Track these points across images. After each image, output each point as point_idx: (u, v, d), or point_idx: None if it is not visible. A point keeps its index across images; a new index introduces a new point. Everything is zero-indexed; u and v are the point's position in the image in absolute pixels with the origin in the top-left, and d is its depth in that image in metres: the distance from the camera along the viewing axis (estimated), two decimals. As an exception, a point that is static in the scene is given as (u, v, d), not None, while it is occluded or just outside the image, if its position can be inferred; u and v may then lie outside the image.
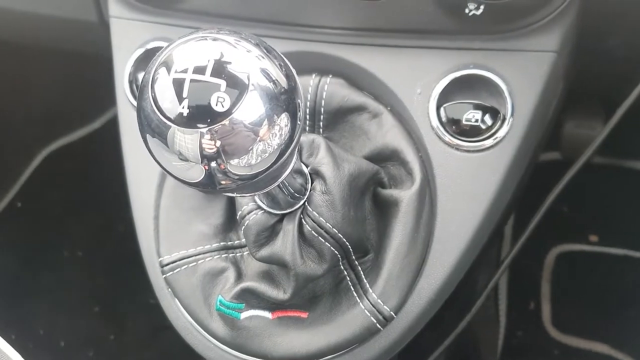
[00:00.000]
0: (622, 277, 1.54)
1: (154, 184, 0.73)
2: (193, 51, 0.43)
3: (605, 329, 1.48)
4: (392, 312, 0.64)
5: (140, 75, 0.77)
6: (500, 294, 1.57)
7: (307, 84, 0.71)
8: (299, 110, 0.46)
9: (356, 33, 0.71)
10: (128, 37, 0.79)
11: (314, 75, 0.72)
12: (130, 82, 0.77)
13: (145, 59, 0.77)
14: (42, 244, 1.75)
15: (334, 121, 0.72)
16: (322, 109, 0.71)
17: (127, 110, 0.77)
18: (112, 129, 0.78)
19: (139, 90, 0.45)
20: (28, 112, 1.75)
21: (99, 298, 1.64)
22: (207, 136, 0.42)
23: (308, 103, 0.71)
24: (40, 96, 1.73)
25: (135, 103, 0.76)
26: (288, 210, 0.62)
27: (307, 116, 0.72)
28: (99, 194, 1.68)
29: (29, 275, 1.69)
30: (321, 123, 0.72)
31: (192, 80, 0.41)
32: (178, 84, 0.42)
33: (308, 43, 0.72)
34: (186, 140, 0.43)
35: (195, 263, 0.68)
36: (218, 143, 0.42)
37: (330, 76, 0.72)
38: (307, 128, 0.72)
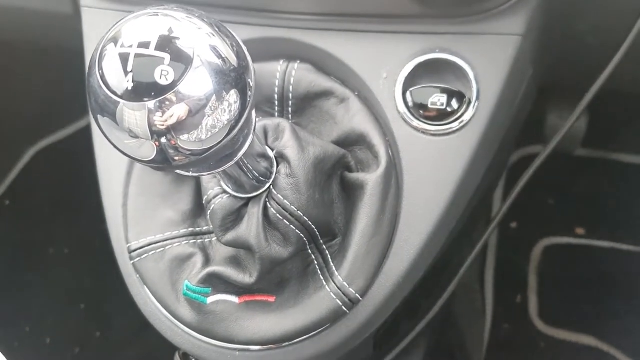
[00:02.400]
0: (608, 269, 1.55)
1: (122, 171, 0.73)
2: (141, 26, 0.43)
3: (592, 321, 1.49)
4: (357, 295, 0.64)
5: None
6: (487, 287, 1.57)
7: (275, 69, 0.71)
8: (250, 89, 0.46)
9: (322, 18, 0.71)
10: (99, 26, 0.79)
11: (281, 62, 0.72)
12: None
13: None
14: (29, 241, 1.75)
15: (302, 106, 0.72)
16: (291, 95, 0.71)
17: None
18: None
19: (87, 69, 0.45)
20: (15, 111, 1.75)
21: (85, 295, 1.64)
22: (155, 111, 0.42)
23: (276, 89, 0.71)
24: (27, 94, 1.73)
25: None
26: (253, 194, 0.62)
27: (276, 102, 0.72)
28: (86, 192, 1.67)
29: (16, 273, 1.69)
30: (290, 109, 0.72)
31: (136, 55, 0.42)
32: (123, 59, 0.42)
33: (275, 29, 0.72)
34: (135, 116, 0.43)
35: (163, 249, 0.68)
36: (166, 118, 0.42)
37: (298, 62, 0.72)
38: (276, 114, 0.73)
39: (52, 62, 1.56)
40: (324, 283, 0.65)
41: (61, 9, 0.93)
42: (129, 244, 0.69)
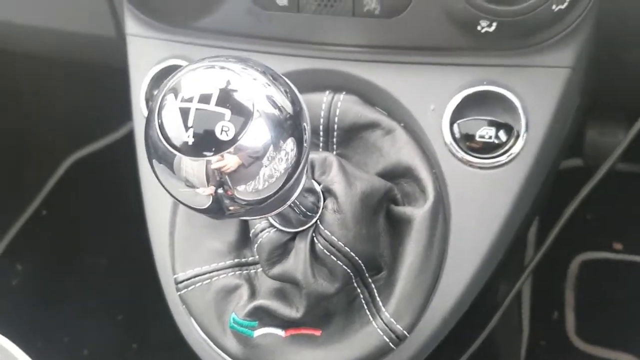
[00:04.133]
0: (647, 285, 1.52)
1: (169, 200, 0.73)
2: (199, 79, 0.44)
3: (630, 338, 1.46)
4: (405, 332, 0.64)
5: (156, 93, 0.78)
6: (524, 303, 1.56)
7: (321, 100, 0.71)
8: (305, 134, 0.47)
9: (369, 50, 0.71)
10: (144, 55, 0.80)
11: (327, 92, 0.72)
12: (147, 100, 0.78)
13: (162, 77, 0.78)
14: (67, 252, 1.77)
15: (348, 138, 0.72)
16: (336, 126, 0.71)
17: (143, 126, 0.78)
18: (133, 138, 0.79)
19: (146, 117, 0.45)
20: (53, 123, 1.78)
21: (123, 306, 1.66)
22: (214, 162, 0.42)
23: (322, 120, 0.71)
24: (64, 107, 1.76)
25: None
26: (300, 229, 0.62)
27: (321, 133, 0.72)
28: (122, 202, 1.69)
29: (54, 283, 1.72)
30: (334, 140, 0.72)
31: (197, 110, 0.42)
32: (184, 113, 0.42)
33: (322, 60, 0.72)
34: (192, 167, 0.43)
35: (209, 280, 0.69)
36: (224, 169, 0.43)
37: (344, 93, 0.72)
38: (321, 144, 0.73)
39: (87, 77, 1.58)
40: (371, 319, 0.65)
41: (104, 33, 0.95)
42: (175, 275, 0.70)
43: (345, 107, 0.71)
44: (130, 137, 0.82)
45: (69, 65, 1.52)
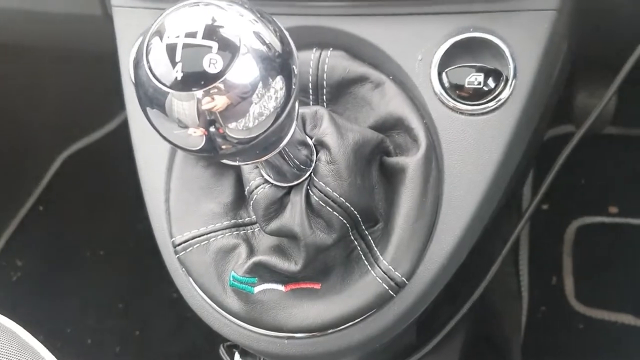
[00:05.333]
0: (643, 247, 1.53)
1: (163, 167, 0.74)
2: (185, 17, 0.44)
3: (629, 299, 1.47)
4: (403, 278, 0.64)
5: None
6: (522, 269, 1.57)
7: (308, 58, 0.71)
8: (294, 75, 0.47)
9: (354, 4, 0.71)
10: (131, 25, 0.80)
11: (314, 50, 0.72)
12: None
13: None
14: (65, 245, 1.78)
15: (337, 94, 0.72)
16: (325, 82, 0.71)
17: (134, 94, 0.78)
18: (127, 130, 0.79)
19: (134, 62, 0.45)
20: (44, 117, 1.78)
21: (123, 295, 1.67)
22: (204, 100, 0.43)
23: (310, 77, 0.71)
24: (56, 100, 1.76)
25: None
26: (295, 183, 0.63)
27: (310, 90, 0.72)
28: (117, 194, 1.70)
29: (54, 277, 1.72)
30: (324, 97, 0.72)
31: (184, 45, 0.42)
32: (171, 49, 0.42)
33: (306, 17, 0.72)
34: (184, 106, 0.43)
35: (207, 241, 0.69)
36: (214, 106, 0.43)
37: (331, 49, 0.72)
38: (311, 102, 0.73)
39: (78, 66, 1.58)
40: (369, 268, 0.65)
41: (89, 11, 0.94)
42: (173, 239, 0.70)
43: (333, 63, 0.71)
44: (123, 128, 0.82)
45: (56, 56, 1.51)
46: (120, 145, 0.88)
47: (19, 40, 1.24)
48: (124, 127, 0.81)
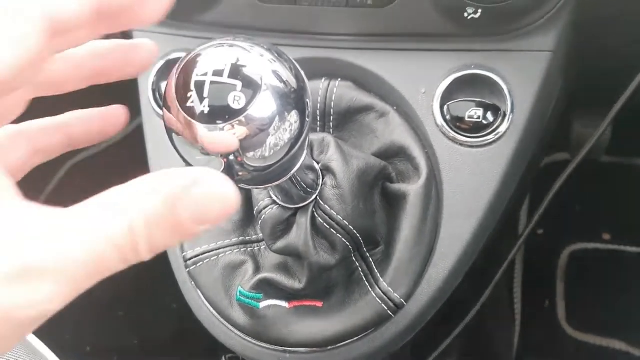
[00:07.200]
0: (635, 274, 1.56)
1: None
2: (212, 57, 0.47)
3: (620, 325, 1.50)
4: (402, 300, 0.68)
5: (163, 84, 0.81)
6: (515, 293, 1.60)
7: (318, 87, 0.75)
8: (308, 108, 0.51)
9: (363, 39, 0.75)
10: None
11: (323, 79, 0.76)
12: (154, 91, 0.82)
13: (167, 70, 0.82)
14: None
15: (344, 121, 0.76)
16: (332, 110, 0.75)
17: (151, 117, 0.82)
18: (133, 141, 0.82)
19: (164, 94, 0.49)
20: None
21: (123, 303, 1.69)
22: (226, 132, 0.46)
23: (319, 105, 0.75)
24: (64, 109, 1.78)
25: (158, 110, 0.81)
26: (301, 205, 0.66)
27: (318, 117, 0.76)
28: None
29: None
30: (331, 123, 0.76)
31: (212, 82, 0.46)
32: (199, 86, 0.46)
33: (318, 49, 0.76)
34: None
35: (216, 257, 0.73)
36: (235, 138, 0.47)
37: (339, 79, 0.76)
38: (318, 129, 0.77)
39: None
40: (369, 289, 0.69)
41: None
42: (184, 253, 0.74)
43: (341, 92, 0.75)
44: (129, 140, 0.85)
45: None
46: (126, 155, 0.89)
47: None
48: (131, 137, 0.84)
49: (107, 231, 0.33)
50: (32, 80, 0.39)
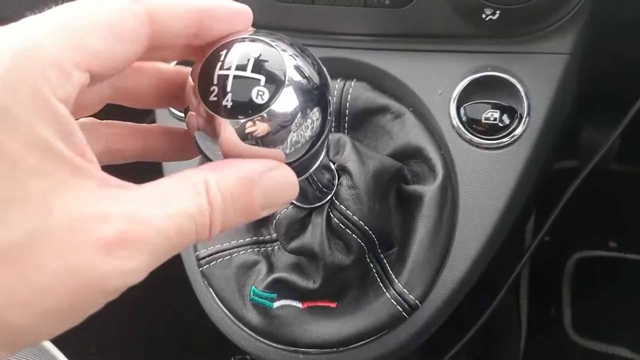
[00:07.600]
0: (641, 282, 1.56)
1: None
2: (234, 51, 0.47)
3: (625, 333, 1.50)
4: (417, 301, 0.68)
5: None
6: (522, 299, 1.59)
7: (333, 87, 0.75)
8: (330, 106, 0.50)
9: (379, 39, 0.75)
10: None
11: (339, 80, 0.76)
12: None
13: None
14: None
15: (359, 122, 0.76)
16: (347, 111, 0.75)
17: (164, 115, 0.82)
18: None
19: (186, 91, 0.49)
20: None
21: (129, 307, 1.68)
22: (248, 129, 0.46)
23: (334, 105, 0.75)
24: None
25: (172, 109, 0.81)
26: (316, 205, 0.66)
27: (333, 117, 0.76)
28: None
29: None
30: (346, 124, 0.76)
31: (234, 77, 0.45)
32: (222, 80, 0.46)
33: (334, 49, 0.76)
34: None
35: (230, 256, 0.72)
36: (257, 133, 0.46)
37: (355, 80, 0.76)
38: (333, 129, 0.76)
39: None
40: (384, 290, 0.69)
41: None
42: (197, 252, 0.73)
43: (356, 93, 0.75)
44: None
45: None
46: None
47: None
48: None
49: (189, 205, 0.35)
50: (117, 82, 0.42)
